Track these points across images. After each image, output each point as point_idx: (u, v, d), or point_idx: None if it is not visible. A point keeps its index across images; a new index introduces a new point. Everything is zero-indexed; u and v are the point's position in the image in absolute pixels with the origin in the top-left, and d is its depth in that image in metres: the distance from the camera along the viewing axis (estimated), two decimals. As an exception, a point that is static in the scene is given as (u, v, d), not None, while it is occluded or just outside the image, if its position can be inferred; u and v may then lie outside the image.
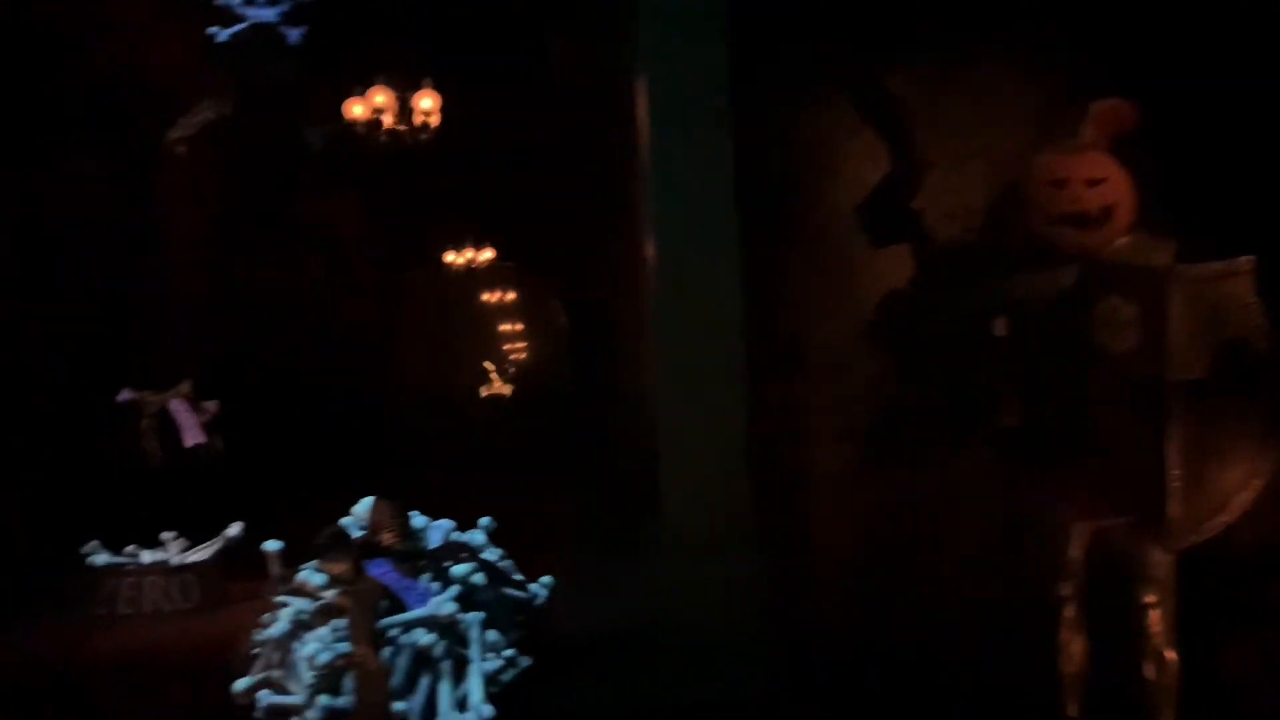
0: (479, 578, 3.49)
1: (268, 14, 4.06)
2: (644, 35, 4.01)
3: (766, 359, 4.04)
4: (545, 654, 3.50)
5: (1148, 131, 3.06)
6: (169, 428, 5.24)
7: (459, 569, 3.50)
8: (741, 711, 3.65)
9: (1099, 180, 3.20)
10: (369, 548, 3.51)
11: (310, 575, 3.42)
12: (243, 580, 5.48)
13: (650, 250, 4.09)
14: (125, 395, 5.60)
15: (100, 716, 3.99)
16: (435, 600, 3.38)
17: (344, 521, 3.74)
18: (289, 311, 11.18)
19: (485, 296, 22.23)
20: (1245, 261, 2.92)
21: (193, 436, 5.29)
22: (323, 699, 3.17)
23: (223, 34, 4.13)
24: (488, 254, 17.83)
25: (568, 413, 12.24)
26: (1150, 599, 3.14)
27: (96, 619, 4.97)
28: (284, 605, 3.53)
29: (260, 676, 3.40)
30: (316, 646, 3.25)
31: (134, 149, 7.02)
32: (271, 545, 3.65)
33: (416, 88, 8.81)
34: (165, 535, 5.50)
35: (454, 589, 3.46)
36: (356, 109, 9.17)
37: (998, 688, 3.31)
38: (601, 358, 8.25)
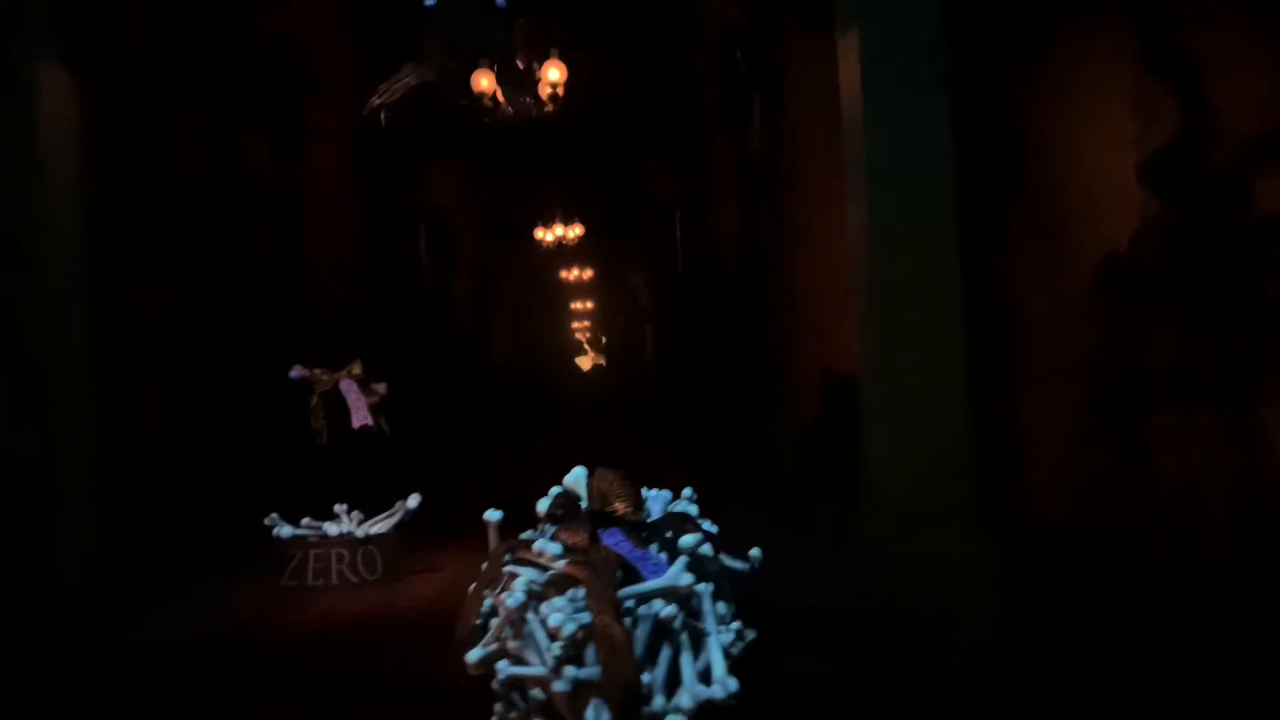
0: (707, 548, 3.40)
1: None
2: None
3: (983, 327, 3.90)
4: (763, 626, 3.42)
5: None
6: (339, 407, 5.24)
7: (687, 539, 3.39)
8: (975, 681, 3.54)
9: None
10: (601, 517, 3.46)
11: (546, 545, 3.38)
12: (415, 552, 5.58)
13: (860, 217, 3.95)
14: (297, 371, 5.61)
15: (310, 684, 4.02)
16: (672, 571, 3.28)
17: (555, 493, 3.70)
18: (406, 284, 11.24)
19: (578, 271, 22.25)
20: None
21: (361, 418, 5.29)
22: (569, 670, 3.12)
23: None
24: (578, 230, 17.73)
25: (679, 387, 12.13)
26: None
27: (285, 589, 5.11)
28: (512, 575, 3.51)
29: (494, 647, 3.37)
30: (561, 616, 3.19)
31: (293, 121, 7.07)
32: (492, 515, 3.61)
33: (544, 58, 8.73)
34: (338, 508, 5.55)
35: (683, 560, 3.40)
36: (484, 81, 9.10)
37: (1235, 653, 3.14)
38: (730, 335, 8.13)
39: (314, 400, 5.51)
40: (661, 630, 3.24)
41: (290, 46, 6.77)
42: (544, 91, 8.98)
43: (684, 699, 3.11)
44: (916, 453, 3.87)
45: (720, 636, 3.29)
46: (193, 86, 5.86)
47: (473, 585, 3.70)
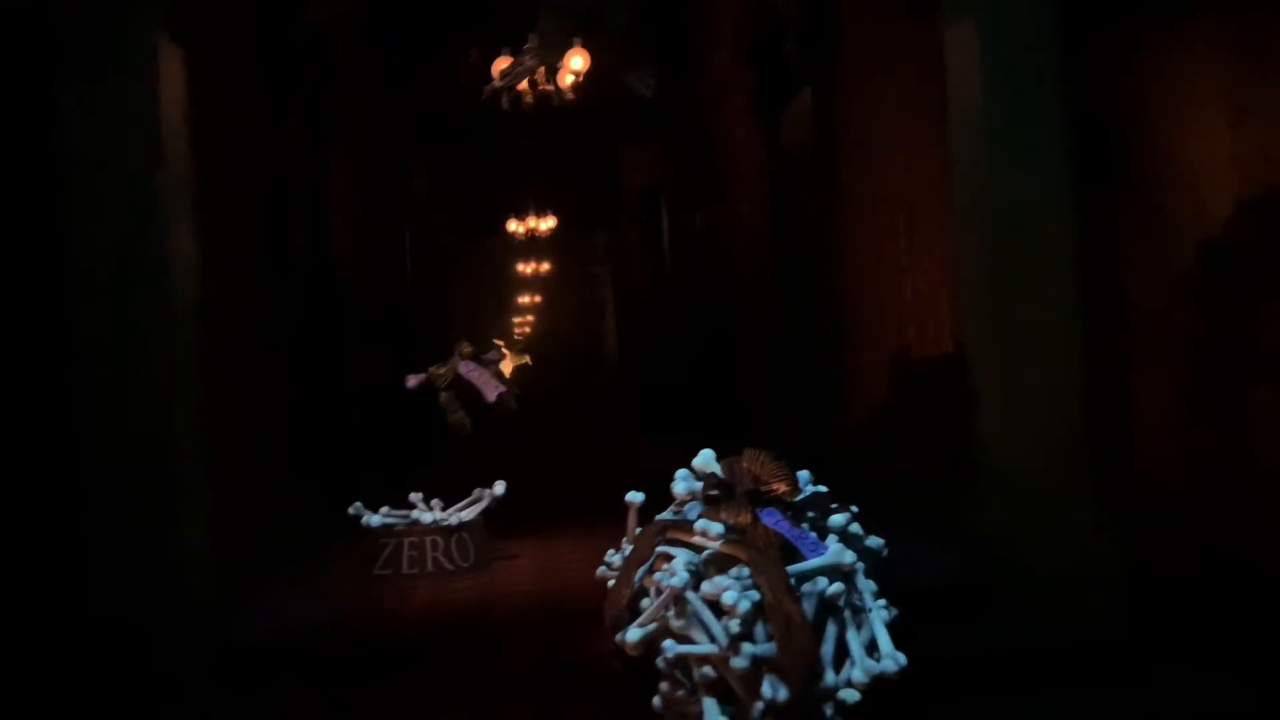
0: (856, 527, 3.50)
1: None
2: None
3: (1095, 310, 4.04)
4: (898, 605, 3.51)
5: None
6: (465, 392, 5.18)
7: (837, 519, 3.47)
8: (1103, 653, 3.68)
9: None
10: (756, 497, 3.52)
11: (709, 524, 3.43)
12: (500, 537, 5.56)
13: (978, 207, 4.05)
14: (414, 381, 5.50)
15: (464, 671, 4.04)
16: (835, 549, 3.36)
17: (681, 474, 3.75)
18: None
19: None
20: None
21: (493, 389, 5.24)
22: (747, 646, 3.17)
23: None
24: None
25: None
26: None
27: (379, 578, 5.08)
28: (664, 555, 3.56)
29: (654, 626, 3.41)
30: (735, 594, 3.25)
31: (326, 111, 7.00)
32: (634, 497, 3.65)
33: (567, 46, 8.62)
34: (414, 496, 5.49)
35: (833, 538, 3.48)
36: (505, 67, 8.92)
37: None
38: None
39: (442, 397, 5.44)
40: (826, 607, 3.34)
41: (329, 34, 6.72)
42: (564, 81, 8.93)
43: (856, 673, 3.19)
44: (1034, 433, 4.04)
45: (881, 612, 3.40)
46: (252, 73, 5.77)
47: (609, 568, 3.76)
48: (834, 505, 3.55)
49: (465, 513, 5.19)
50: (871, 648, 3.24)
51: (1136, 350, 4.20)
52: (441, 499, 5.31)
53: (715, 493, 3.57)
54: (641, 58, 6.03)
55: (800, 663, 3.16)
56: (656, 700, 3.30)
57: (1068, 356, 4.08)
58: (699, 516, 3.54)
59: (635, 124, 12.98)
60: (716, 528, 3.40)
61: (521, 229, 17.71)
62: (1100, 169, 4.16)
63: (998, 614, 4.09)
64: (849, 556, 3.33)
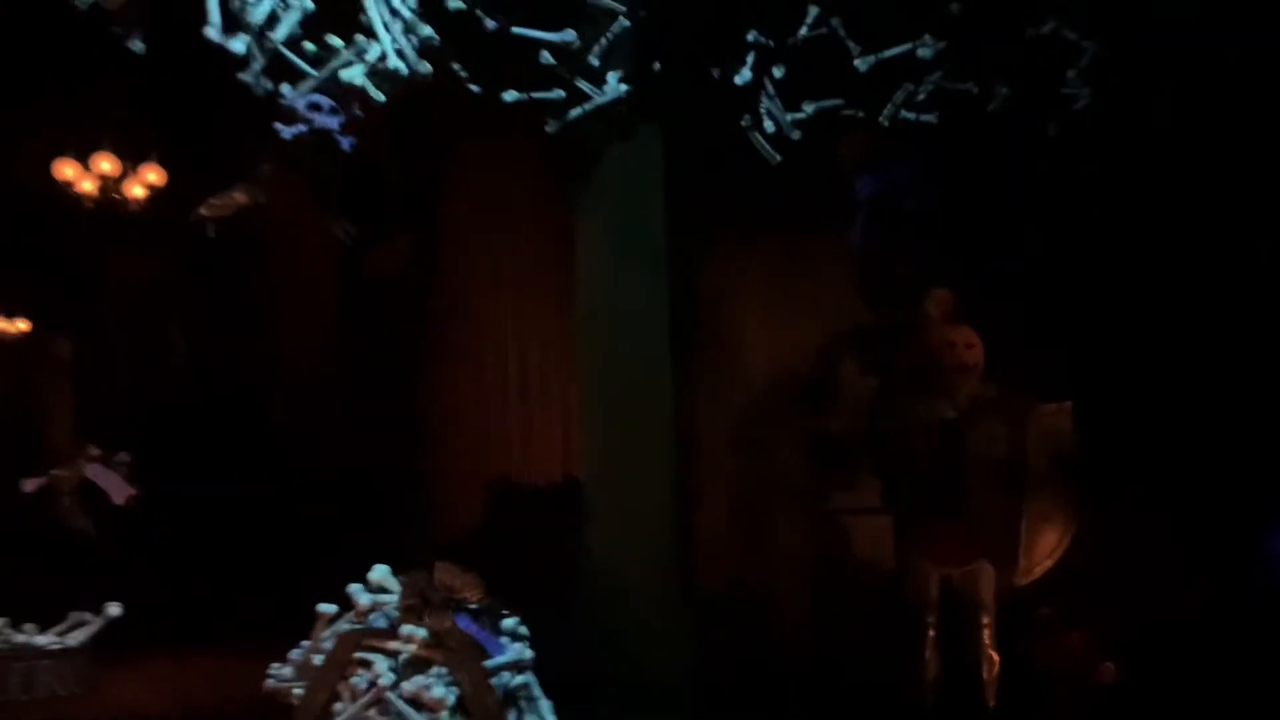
0: (523, 629, 4.15)
1: (330, 121, 4.40)
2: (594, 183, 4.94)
3: (680, 449, 5.11)
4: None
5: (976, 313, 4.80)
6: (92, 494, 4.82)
7: (508, 622, 4.14)
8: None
9: (973, 345, 4.85)
10: (451, 604, 4.00)
11: (414, 630, 3.84)
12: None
13: (594, 358, 4.96)
14: (31, 484, 5.03)
15: None
16: (516, 647, 4.00)
17: (354, 589, 4.16)
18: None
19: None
20: (1067, 405, 4.71)
21: (120, 493, 4.92)
22: None
23: (286, 132, 4.36)
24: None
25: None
26: (985, 620, 4.71)
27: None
28: (358, 661, 3.90)
29: None
30: (442, 690, 3.70)
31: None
32: (326, 608, 3.99)
33: (143, 159, 8.53)
34: (28, 627, 5.00)
35: (507, 639, 4.09)
36: (68, 170, 8.62)
37: (883, 694, 4.63)
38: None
39: (64, 501, 5.03)
40: (509, 697, 3.94)
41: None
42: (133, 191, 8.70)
43: (536, 753, 3.85)
44: (636, 548, 4.95)
45: (545, 701, 4.06)
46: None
47: (280, 679, 4.01)
48: (503, 611, 4.21)
49: (75, 634, 4.91)
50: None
51: (704, 481, 5.41)
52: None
53: (413, 602, 4.05)
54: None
55: (495, 744, 3.74)
56: (361, 794, 3.65)
57: (662, 485, 5.05)
58: (396, 624, 4.00)
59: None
60: (420, 632, 3.88)
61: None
62: (689, 336, 5.37)
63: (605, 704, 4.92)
64: (529, 653, 4.01)
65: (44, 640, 4.90)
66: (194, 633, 5.62)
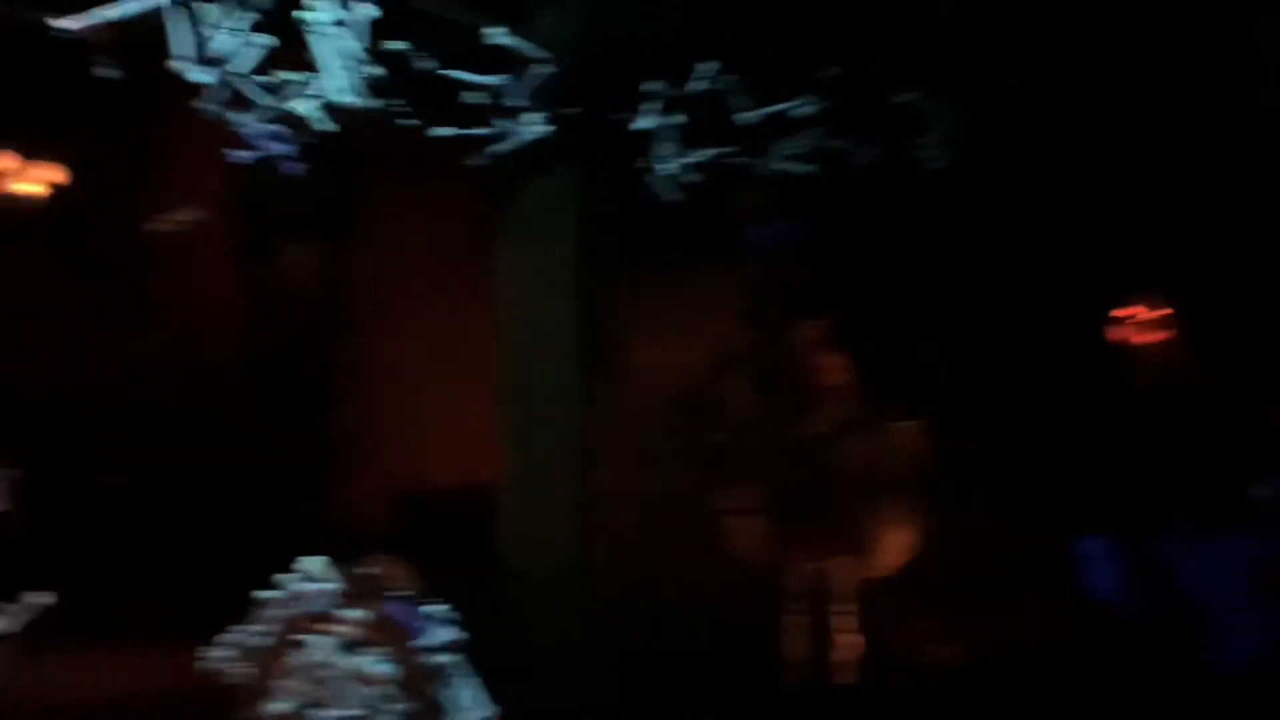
0: (451, 615, 4.62)
1: (283, 149, 4.76)
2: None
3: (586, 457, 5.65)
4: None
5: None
6: None
7: (437, 608, 4.60)
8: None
9: (841, 370, 5.56)
10: (387, 591, 4.44)
11: (353, 613, 4.25)
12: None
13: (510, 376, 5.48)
14: None
15: None
16: (444, 631, 4.45)
17: (289, 577, 4.57)
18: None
19: None
20: (919, 423, 5.47)
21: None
22: (396, 706, 4.09)
23: (241, 156, 4.73)
24: None
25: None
26: (842, 609, 5.41)
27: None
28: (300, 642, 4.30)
29: (302, 699, 4.14)
30: (383, 666, 4.14)
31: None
32: (266, 594, 4.40)
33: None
34: None
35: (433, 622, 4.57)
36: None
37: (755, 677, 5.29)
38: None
39: None
40: (439, 674, 4.41)
41: None
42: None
43: (461, 720, 4.33)
44: (548, 541, 5.57)
45: (469, 678, 4.55)
46: None
47: (221, 658, 4.40)
48: (432, 599, 4.68)
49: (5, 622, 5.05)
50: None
51: (605, 487, 5.99)
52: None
53: (351, 589, 4.48)
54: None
55: (432, 716, 4.21)
56: (301, 763, 4.06)
57: (569, 489, 5.74)
58: (335, 608, 4.42)
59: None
60: (359, 615, 4.31)
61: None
62: (595, 356, 5.94)
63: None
64: (451, 635, 4.47)
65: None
66: (121, 624, 5.92)
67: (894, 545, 5.65)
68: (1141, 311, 5.51)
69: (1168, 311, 5.54)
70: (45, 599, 5.54)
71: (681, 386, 6.11)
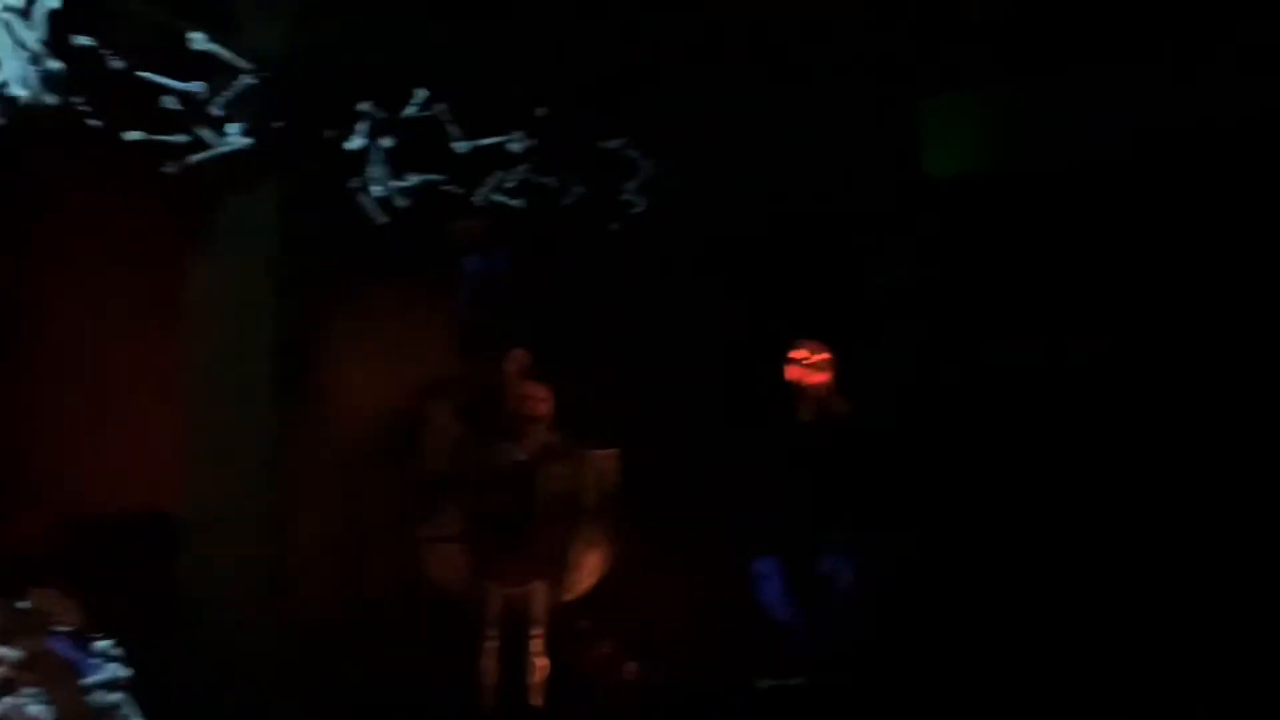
0: (116, 651, 4.35)
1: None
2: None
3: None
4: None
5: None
6: None
7: (102, 644, 4.32)
8: None
9: (543, 399, 5.69)
10: (47, 628, 4.08)
11: (6, 651, 3.88)
12: None
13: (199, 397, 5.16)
14: None
15: None
16: (111, 667, 4.17)
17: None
18: None
19: None
20: (615, 451, 5.70)
21: None
22: None
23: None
24: None
25: None
26: (537, 632, 5.53)
27: None
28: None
29: None
30: (38, 709, 3.81)
31: None
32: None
33: None
34: None
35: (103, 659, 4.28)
36: None
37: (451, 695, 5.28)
38: None
39: None
40: (104, 715, 4.14)
41: None
42: None
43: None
44: (229, 571, 5.27)
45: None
46: None
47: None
48: (96, 634, 4.38)
49: None
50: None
51: (301, 514, 5.78)
52: None
53: (4, 625, 4.12)
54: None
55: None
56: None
57: (262, 517, 5.43)
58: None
59: None
60: (13, 654, 3.98)
61: None
62: (294, 378, 5.74)
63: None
64: (123, 673, 4.23)
65: None
66: None
67: (585, 567, 5.88)
68: (806, 354, 6.09)
69: (826, 356, 6.15)
70: None
71: (385, 410, 6.06)
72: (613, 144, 6.57)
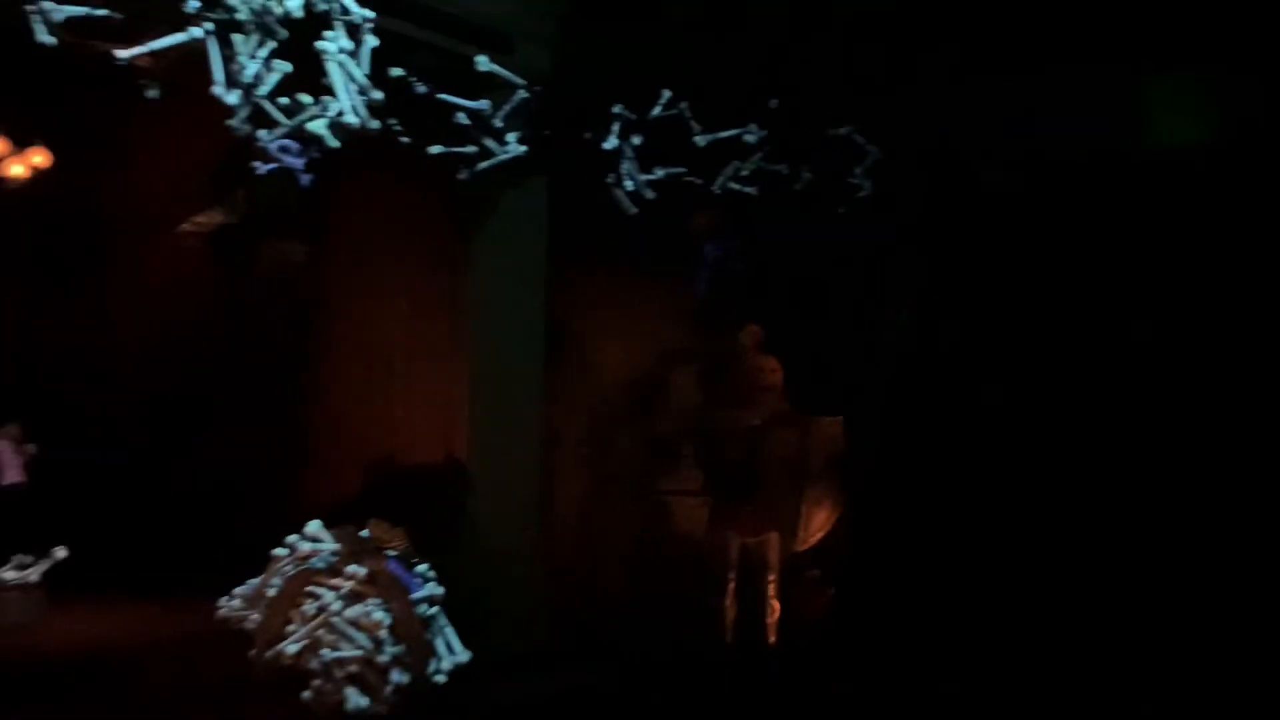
0: (432, 573, 5.32)
1: (297, 162, 5.40)
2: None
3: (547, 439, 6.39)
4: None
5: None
6: None
7: (422, 567, 5.30)
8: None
9: (776, 370, 6.38)
10: (382, 551, 5.12)
11: (357, 569, 4.94)
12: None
13: (479, 370, 6.16)
14: None
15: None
16: (430, 585, 5.16)
17: (294, 538, 5.23)
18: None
19: None
20: (840, 419, 6.42)
21: (12, 475, 5.59)
22: (389, 649, 4.79)
23: (261, 168, 5.40)
24: None
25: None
26: (771, 578, 6.26)
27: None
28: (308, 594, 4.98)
29: (306, 641, 4.81)
30: (380, 614, 4.83)
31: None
32: (280, 551, 5.06)
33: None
34: None
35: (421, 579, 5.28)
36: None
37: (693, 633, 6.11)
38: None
39: None
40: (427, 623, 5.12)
41: None
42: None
43: (445, 664, 5.05)
44: (507, 513, 6.28)
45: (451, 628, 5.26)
46: None
47: (231, 608, 5.06)
48: (414, 559, 5.37)
49: (33, 570, 5.63)
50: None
51: (563, 467, 6.75)
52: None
53: (351, 548, 5.16)
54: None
55: (421, 658, 4.93)
56: (307, 694, 4.74)
57: (529, 470, 6.39)
58: (337, 565, 5.09)
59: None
60: (361, 571, 5.00)
61: None
62: (557, 351, 6.66)
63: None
64: (440, 590, 5.18)
65: (9, 574, 5.61)
66: (136, 576, 6.52)
67: (814, 523, 6.53)
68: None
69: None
70: (61, 553, 6.12)
71: (634, 380, 6.88)
72: (841, 131, 7.08)
